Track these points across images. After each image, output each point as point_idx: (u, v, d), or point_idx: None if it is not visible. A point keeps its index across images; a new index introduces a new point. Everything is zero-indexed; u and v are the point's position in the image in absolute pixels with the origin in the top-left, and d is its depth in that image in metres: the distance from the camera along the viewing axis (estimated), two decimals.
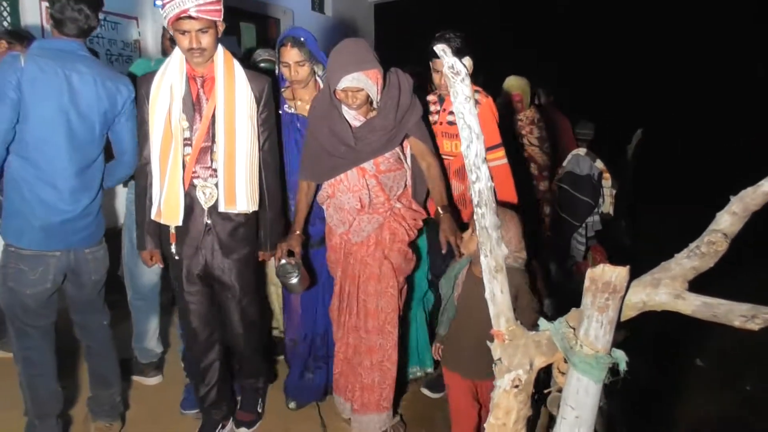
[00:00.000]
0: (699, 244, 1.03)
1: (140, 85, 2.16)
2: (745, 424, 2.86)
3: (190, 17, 1.94)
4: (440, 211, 2.34)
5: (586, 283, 1.02)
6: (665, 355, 3.44)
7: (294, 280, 2.34)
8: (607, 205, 2.88)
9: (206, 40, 2.01)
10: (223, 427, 2.47)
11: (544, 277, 2.38)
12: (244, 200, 2.16)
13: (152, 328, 2.89)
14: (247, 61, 2.93)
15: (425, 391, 2.85)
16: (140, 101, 2.16)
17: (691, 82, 11.29)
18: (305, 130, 2.48)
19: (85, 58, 2.11)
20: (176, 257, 2.22)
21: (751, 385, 3.18)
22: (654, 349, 3.48)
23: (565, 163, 2.93)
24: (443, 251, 2.34)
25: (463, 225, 2.36)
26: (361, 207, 2.35)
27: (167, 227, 2.19)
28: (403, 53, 3.77)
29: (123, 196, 2.97)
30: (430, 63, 2.64)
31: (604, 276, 1.00)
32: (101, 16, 2.24)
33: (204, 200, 2.16)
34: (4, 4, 3.99)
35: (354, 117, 2.32)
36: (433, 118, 2.72)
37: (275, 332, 3.07)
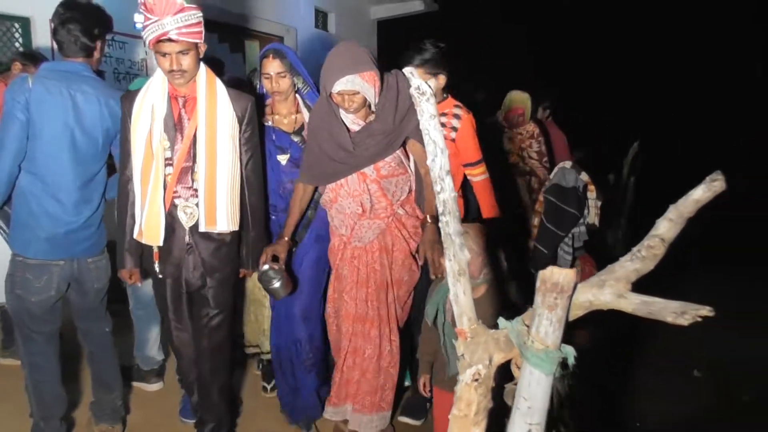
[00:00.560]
0: (640, 248, 1.12)
1: (123, 102, 2.14)
2: None
3: (170, 40, 1.93)
4: (428, 220, 2.32)
5: (537, 283, 1.11)
6: (662, 366, 3.46)
7: (276, 285, 2.31)
8: (592, 216, 2.97)
9: (187, 61, 1.99)
10: None
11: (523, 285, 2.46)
12: (225, 220, 2.13)
13: (153, 336, 2.98)
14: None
15: (404, 419, 2.72)
16: (123, 119, 2.14)
17: (691, 82, 11.29)
18: (279, 143, 2.48)
19: (89, 79, 2.23)
20: (159, 276, 2.21)
21: (749, 397, 3.19)
22: (652, 360, 3.54)
23: (551, 176, 3.03)
24: (420, 263, 2.36)
25: None
26: (362, 212, 2.33)
27: (150, 246, 2.17)
28: None
29: None
30: None
31: (553, 277, 1.09)
32: (108, 36, 2.35)
33: (185, 220, 2.13)
34: (16, 25, 4.15)
35: (352, 121, 2.28)
36: None
37: (250, 349, 3.02)
